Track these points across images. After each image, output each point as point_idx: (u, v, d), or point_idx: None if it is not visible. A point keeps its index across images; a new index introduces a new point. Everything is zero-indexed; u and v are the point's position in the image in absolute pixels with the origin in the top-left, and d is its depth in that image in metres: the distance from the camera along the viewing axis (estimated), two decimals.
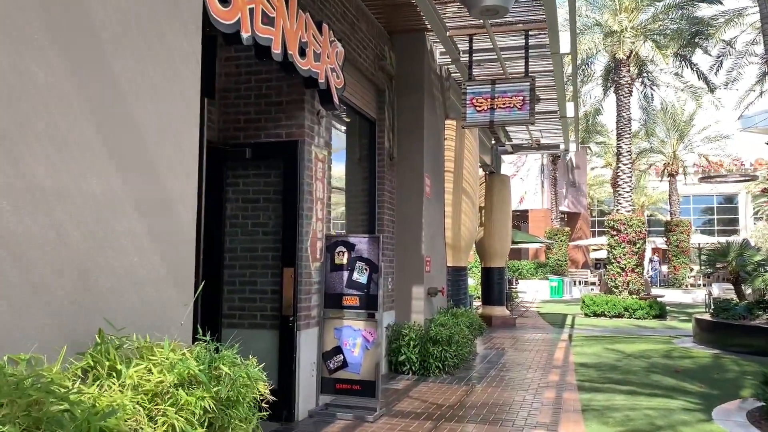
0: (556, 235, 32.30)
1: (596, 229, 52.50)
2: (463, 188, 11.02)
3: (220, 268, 6.68)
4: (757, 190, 53.12)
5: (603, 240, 34.95)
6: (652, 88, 24.44)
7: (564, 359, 10.93)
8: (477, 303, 18.98)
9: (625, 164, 20.63)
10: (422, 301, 9.39)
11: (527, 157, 36.66)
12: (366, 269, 6.71)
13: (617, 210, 20.77)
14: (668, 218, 31.83)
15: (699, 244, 33.91)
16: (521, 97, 9.08)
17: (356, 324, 6.72)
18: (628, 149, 20.69)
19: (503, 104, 9.14)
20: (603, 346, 12.53)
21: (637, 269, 20.16)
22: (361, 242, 6.78)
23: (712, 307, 17.86)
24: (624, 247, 20.03)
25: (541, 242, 21.26)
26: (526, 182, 37.04)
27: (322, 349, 6.75)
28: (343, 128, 9.18)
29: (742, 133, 29.82)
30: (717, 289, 20.60)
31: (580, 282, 32.86)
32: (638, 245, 20.15)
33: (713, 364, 10.50)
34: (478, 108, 9.25)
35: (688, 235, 30.42)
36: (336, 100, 6.53)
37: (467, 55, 10.01)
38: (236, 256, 6.71)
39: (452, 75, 11.66)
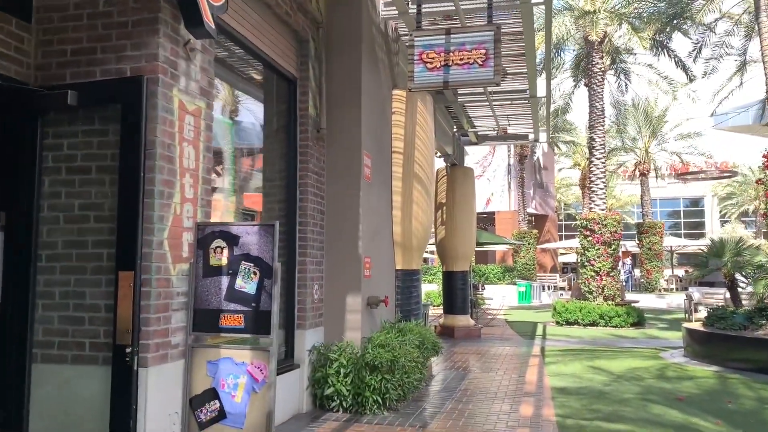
0: (524, 237, 30.37)
1: (563, 233, 50.97)
2: (416, 174, 8.85)
3: (29, 272, 4.37)
4: (723, 192, 52.25)
5: (572, 243, 33.16)
6: (625, 79, 22.63)
7: (538, 382, 8.80)
8: (438, 311, 16.78)
9: (598, 158, 18.69)
10: (359, 314, 7.17)
11: (494, 157, 34.76)
12: (255, 273, 4.47)
13: (590, 208, 18.82)
14: (640, 220, 30.08)
15: (671, 246, 32.28)
16: (483, 51, 6.94)
17: (239, 355, 4.46)
18: (602, 142, 18.77)
19: (461, 60, 6.98)
20: (583, 364, 10.44)
21: (613, 273, 18.21)
22: (249, 234, 4.53)
23: (703, 316, 16.00)
24: (598, 249, 18.07)
25: (509, 243, 19.27)
26: (493, 183, 35.12)
27: (189, 393, 4.48)
28: (250, 88, 6.93)
29: (715, 131, 28.25)
30: (698, 294, 18.75)
31: (549, 287, 30.96)
32: (613, 246, 18.21)
33: (720, 388, 8.45)
34: (428, 65, 7.08)
35: (661, 237, 28.73)
36: (208, 19, 4.29)
37: (416, 5, 7.85)
38: (56, 254, 4.40)
39: (402, 38, 9.50)
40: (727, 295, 19.77)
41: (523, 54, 9.88)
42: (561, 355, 11.64)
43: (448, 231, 14.79)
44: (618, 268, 18.71)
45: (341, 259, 7.27)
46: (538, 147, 35.74)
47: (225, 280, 4.50)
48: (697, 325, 11.61)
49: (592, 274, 18.14)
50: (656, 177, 33.61)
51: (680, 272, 34.27)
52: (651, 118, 29.48)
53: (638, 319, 17.52)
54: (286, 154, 6.90)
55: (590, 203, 18.86)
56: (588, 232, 18.20)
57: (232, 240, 4.53)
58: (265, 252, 4.47)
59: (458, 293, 14.89)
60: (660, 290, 28.83)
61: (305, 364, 6.74)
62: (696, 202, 57.05)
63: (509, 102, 12.70)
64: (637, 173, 31.01)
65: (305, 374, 6.73)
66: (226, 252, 4.53)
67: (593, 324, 17.34)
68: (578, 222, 18.89)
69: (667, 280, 30.14)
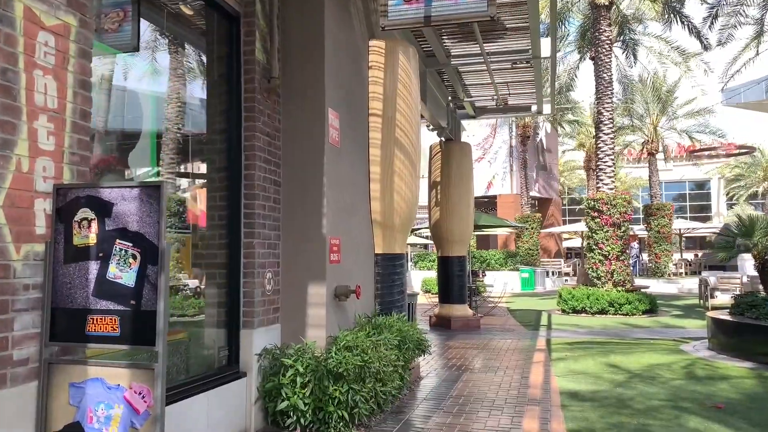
0: (527, 221, 28.88)
1: (567, 218, 49.48)
2: (398, 141, 7.41)
3: None
4: (731, 174, 50.58)
5: (577, 227, 31.69)
6: (633, 51, 21.02)
7: (544, 385, 7.39)
8: (433, 299, 15.39)
9: (606, 134, 17.20)
10: (324, 308, 5.75)
11: (494, 139, 33.22)
12: (134, 257, 3.05)
13: (598, 188, 17.35)
14: (647, 203, 28.56)
15: (680, 229, 30.76)
16: None
17: (113, 375, 3.05)
18: (610, 116, 17.26)
19: None
20: (595, 359, 9.03)
21: (623, 257, 16.78)
22: (126, 200, 3.10)
23: (720, 302, 14.65)
24: (607, 231, 16.62)
25: (511, 226, 17.82)
26: (494, 166, 33.61)
27: (45, 429, 3.08)
28: (178, 25, 5.50)
29: (726, 109, 26.65)
30: (713, 279, 17.29)
31: (553, 273, 29.54)
32: (623, 228, 16.77)
33: (763, 392, 7.02)
34: None
35: (670, 220, 27.20)
36: None
37: None
38: None
39: None
40: (744, 278, 18.37)
41: (524, 2, 8.41)
42: (569, 348, 10.23)
43: (443, 212, 13.36)
44: (627, 251, 17.25)
45: (301, 240, 5.85)
46: (540, 128, 34.20)
47: (94, 267, 3.09)
48: (723, 314, 10.18)
49: (601, 258, 16.70)
50: (665, 158, 32.00)
51: (689, 256, 32.83)
52: (660, 93, 27.81)
53: (650, 306, 16.11)
54: (227, 110, 5.46)
55: (598, 183, 17.38)
56: (596, 214, 16.74)
57: (102, 209, 3.10)
58: (149, 226, 3.04)
59: (455, 280, 13.48)
60: (669, 275, 27.37)
61: (253, 371, 5.34)
62: (702, 184, 55.40)
63: (509, 66, 11.22)
64: (645, 153, 29.41)
65: (253, 384, 5.33)
66: (94, 226, 3.11)
67: (602, 312, 15.93)
68: (585, 203, 17.42)
69: (676, 264, 28.66)
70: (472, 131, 33.30)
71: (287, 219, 5.90)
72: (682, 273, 28.98)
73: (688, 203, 54.24)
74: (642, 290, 17.47)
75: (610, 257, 16.62)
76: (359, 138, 6.98)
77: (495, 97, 13.01)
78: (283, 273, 5.86)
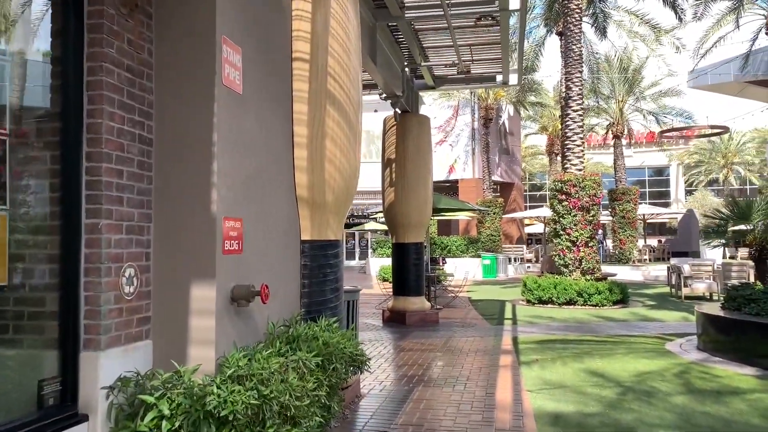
0: (489, 206, 27.43)
1: (528, 204, 48.43)
2: (332, 96, 5.68)
3: None
4: (690, 160, 50.11)
5: (540, 212, 30.41)
6: (603, 25, 19.57)
7: (514, 405, 5.79)
8: (390, 289, 13.74)
9: (575, 110, 15.73)
10: (213, 317, 4.02)
11: (456, 121, 31.66)
12: None
13: (565, 169, 15.89)
14: (613, 187, 27.34)
15: (644, 215, 29.70)
16: None
17: None
18: (579, 91, 15.79)
19: None
20: (572, 366, 7.48)
21: (591, 243, 15.38)
22: None
23: (700, 293, 13.34)
24: (575, 215, 15.18)
25: (473, 210, 16.22)
26: (456, 149, 32.08)
27: None
28: None
29: (696, 93, 25.52)
30: (687, 267, 16.02)
31: (515, 259, 28.21)
32: (592, 213, 15.35)
33: None
34: None
35: (635, 205, 26.03)
36: None
37: None
38: None
39: None
40: (716, 266, 17.19)
41: None
42: (540, 349, 8.69)
43: (398, 193, 11.69)
44: (596, 237, 15.86)
45: (181, 222, 4.09)
46: (503, 111, 32.79)
47: None
48: (714, 309, 8.75)
49: (568, 244, 15.27)
50: (629, 143, 30.82)
51: (652, 242, 31.91)
52: (627, 71, 26.49)
53: (622, 296, 14.76)
54: (62, 30, 3.65)
55: (565, 163, 15.92)
56: (563, 196, 15.28)
57: None
58: None
59: (411, 270, 11.85)
60: (634, 261, 26.27)
61: (99, 413, 3.58)
62: (661, 171, 54.99)
63: (473, 23, 9.55)
64: (610, 136, 28.16)
65: None
66: None
67: (570, 303, 14.53)
68: (551, 185, 15.93)
69: (640, 251, 27.59)
70: (433, 113, 31.70)
71: (161, 192, 4.12)
72: (646, 259, 27.94)
73: (647, 189, 53.72)
74: (609, 278, 16.13)
75: (578, 243, 15.20)
76: (277, 88, 5.22)
77: (457, 62, 11.35)
78: (155, 269, 4.09)
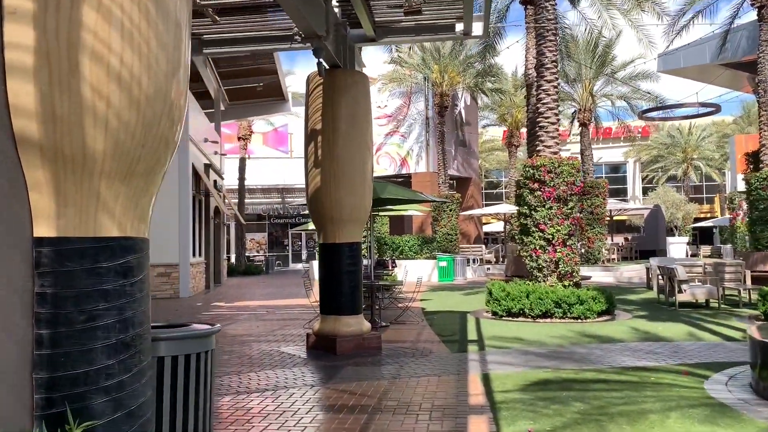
0: (445, 202, 24.49)
1: (483, 203, 45.87)
2: None
3: None
4: (647, 157, 48.33)
5: (501, 209, 27.66)
6: None
7: None
8: (312, 304, 10.47)
9: (549, 81, 12.82)
10: None
11: (409, 109, 28.62)
12: None
13: (537, 151, 12.97)
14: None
15: (611, 211, 27.21)
16: None
17: None
18: (553, 58, 12.90)
19: None
20: None
21: (569, 241, 12.48)
22: None
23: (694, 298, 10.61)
24: (550, 208, 12.26)
25: (428, 200, 13.14)
26: (409, 141, 29.05)
27: None
28: None
29: (668, 79, 23.14)
30: (682, 269, 13.27)
31: (474, 260, 25.33)
32: (570, 204, 12.46)
33: None
34: None
35: (604, 199, 23.49)
36: None
37: None
38: None
39: None
40: (708, 267, 14.60)
41: None
42: (529, 402, 5.61)
43: (326, 177, 8.53)
44: (574, 234, 12.96)
45: None
46: (459, 99, 29.90)
47: None
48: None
49: (542, 243, 12.33)
50: (598, 133, 28.23)
51: (618, 240, 29.49)
52: (597, 48, 23.81)
53: (608, 305, 11.90)
54: None
55: (537, 144, 13.00)
56: (536, 185, 12.34)
57: None
58: None
59: (344, 280, 8.67)
60: (603, 261, 23.68)
61: None
62: (617, 167, 53.23)
63: None
64: (576, 125, 25.56)
65: None
66: None
67: (546, 315, 11.59)
68: (522, 172, 12.97)
69: (608, 250, 25.06)
70: (383, 101, 28.62)
71: None
72: (614, 259, 25.42)
73: (606, 187, 51.79)
74: (583, 283, 13.31)
75: (554, 242, 12.27)
76: None
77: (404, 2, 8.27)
78: None
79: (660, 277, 14.44)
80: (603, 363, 7.40)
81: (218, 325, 3.72)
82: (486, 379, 6.61)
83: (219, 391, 6.26)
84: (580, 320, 11.42)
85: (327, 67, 8.53)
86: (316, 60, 8.28)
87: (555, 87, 12.90)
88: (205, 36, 9.90)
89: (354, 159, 8.57)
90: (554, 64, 12.95)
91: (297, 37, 7.69)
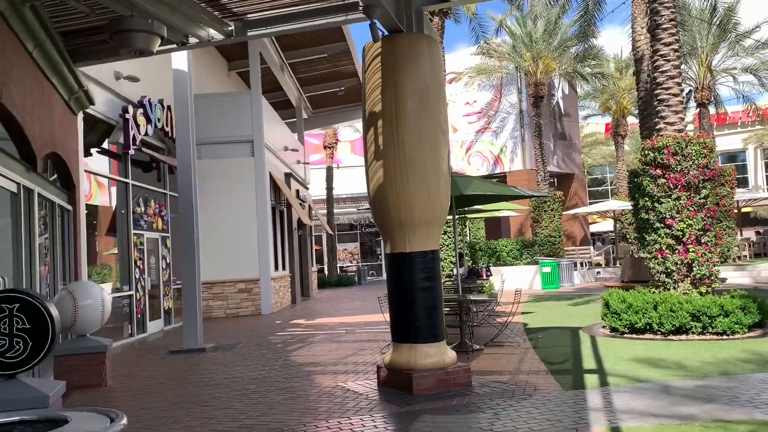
0: (543, 197, 22.00)
1: (588, 200, 42.50)
2: None
3: None
4: None
5: (609, 205, 24.79)
6: None
7: None
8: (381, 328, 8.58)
9: (668, 44, 10.42)
10: None
11: (500, 103, 26.36)
12: None
13: (657, 131, 10.57)
14: None
15: (738, 202, 23.70)
16: None
17: None
18: (671, 16, 10.48)
19: None
20: None
21: (705, 238, 9.97)
22: None
23: None
24: (679, 199, 9.85)
25: (526, 196, 11.04)
26: (502, 137, 26.75)
27: None
28: None
29: None
30: None
31: (582, 264, 22.66)
32: (704, 193, 9.97)
33: None
34: None
35: (732, 189, 20.29)
36: None
37: None
38: None
39: None
40: None
41: None
42: None
43: (389, 169, 6.72)
44: (711, 229, 10.40)
45: None
46: (556, 88, 27.27)
47: None
48: None
49: (670, 241, 9.93)
50: (716, 109, 24.63)
51: (749, 234, 25.76)
52: (715, 12, 20.46)
53: (761, 316, 9.33)
54: None
55: (657, 121, 10.60)
56: (659, 171, 9.96)
57: None
58: None
59: (418, 298, 6.78)
60: (734, 259, 20.39)
61: None
62: (734, 156, 47.96)
63: None
64: (694, 104, 22.35)
65: None
66: None
67: (681, 331, 9.20)
68: (641, 156, 10.57)
69: (738, 246, 21.66)
70: (471, 96, 26.50)
71: None
72: (745, 256, 21.97)
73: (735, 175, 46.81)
74: (720, 286, 10.70)
75: (685, 239, 9.84)
76: None
77: None
78: None
79: None
80: None
81: (124, 420, 1.97)
82: None
83: None
84: (725, 337, 8.95)
85: (385, 32, 6.74)
86: (371, 27, 6.53)
87: (676, 51, 10.47)
88: (249, 16, 8.43)
89: (424, 145, 6.71)
90: (673, 23, 10.53)
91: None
